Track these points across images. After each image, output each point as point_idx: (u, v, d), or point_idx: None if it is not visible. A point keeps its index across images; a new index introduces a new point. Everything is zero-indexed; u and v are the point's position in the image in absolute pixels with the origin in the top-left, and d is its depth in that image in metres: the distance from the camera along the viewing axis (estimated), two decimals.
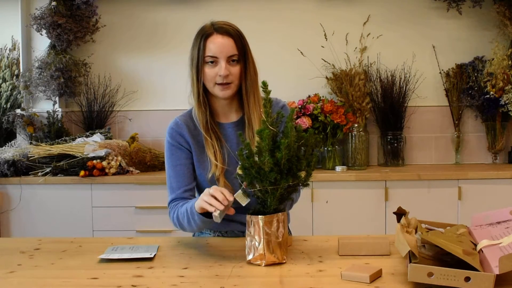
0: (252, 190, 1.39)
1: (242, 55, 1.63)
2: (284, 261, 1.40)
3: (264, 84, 1.41)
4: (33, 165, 3.29)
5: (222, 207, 1.41)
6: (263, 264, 1.37)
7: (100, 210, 3.24)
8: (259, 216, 1.37)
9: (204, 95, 1.67)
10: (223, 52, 1.60)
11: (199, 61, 1.62)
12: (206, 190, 1.48)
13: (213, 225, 1.77)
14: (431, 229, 1.42)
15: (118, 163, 3.25)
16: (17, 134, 3.59)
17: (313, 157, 1.41)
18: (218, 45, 1.60)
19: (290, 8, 3.71)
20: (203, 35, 1.62)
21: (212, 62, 1.61)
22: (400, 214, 1.44)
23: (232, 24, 1.66)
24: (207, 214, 1.53)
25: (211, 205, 1.43)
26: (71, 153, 3.26)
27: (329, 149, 3.45)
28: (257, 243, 1.37)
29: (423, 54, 3.67)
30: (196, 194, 1.78)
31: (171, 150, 1.71)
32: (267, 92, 1.40)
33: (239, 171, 1.64)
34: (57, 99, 3.60)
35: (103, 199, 3.24)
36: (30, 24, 3.51)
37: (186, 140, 1.70)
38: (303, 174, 1.40)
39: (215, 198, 1.43)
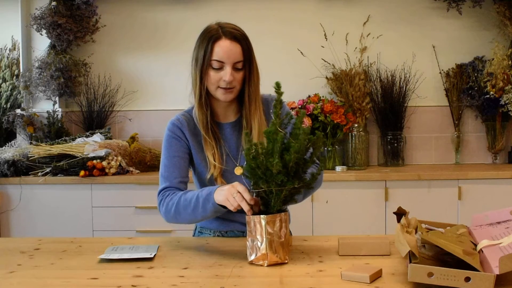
0: (257, 191, 1.39)
1: (247, 61, 1.63)
2: (286, 261, 1.39)
3: (278, 86, 1.39)
4: (33, 165, 3.29)
5: (252, 205, 1.41)
6: (266, 264, 1.36)
7: (100, 210, 3.24)
8: (262, 215, 1.37)
9: (205, 97, 1.66)
10: (230, 57, 1.59)
11: (204, 63, 1.60)
12: (229, 189, 1.45)
13: (213, 225, 1.78)
14: (431, 229, 1.42)
15: (118, 163, 3.25)
16: (17, 134, 3.59)
17: (319, 160, 1.41)
18: (226, 50, 1.58)
19: (290, 8, 3.71)
20: (211, 37, 1.59)
21: (217, 66, 1.60)
22: (400, 214, 1.44)
23: (239, 28, 1.64)
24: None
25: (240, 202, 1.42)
26: (71, 153, 3.26)
27: (329, 149, 3.45)
28: (259, 243, 1.37)
29: (423, 54, 3.67)
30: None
31: (169, 141, 1.69)
32: (279, 93, 1.39)
33: (237, 172, 1.65)
34: (57, 99, 3.60)
35: (103, 199, 3.23)
36: (30, 24, 3.51)
37: (186, 136, 1.70)
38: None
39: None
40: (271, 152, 1.34)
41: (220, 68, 1.60)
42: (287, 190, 1.36)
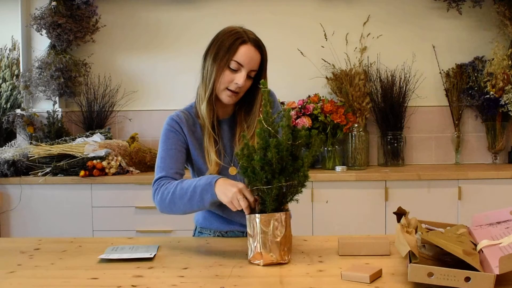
0: (251, 189, 1.40)
1: (261, 72, 1.66)
2: (284, 261, 1.39)
3: (263, 84, 1.41)
4: (33, 165, 3.29)
5: (248, 211, 1.42)
6: (262, 264, 1.37)
7: (100, 210, 3.24)
8: (257, 214, 1.37)
9: (215, 93, 1.67)
10: (250, 63, 1.61)
11: (223, 61, 1.61)
12: (236, 193, 1.43)
13: (213, 225, 1.78)
14: (431, 229, 1.42)
15: (118, 163, 3.25)
16: (17, 134, 3.59)
17: (310, 158, 1.40)
18: (248, 55, 1.61)
19: (290, 8, 3.71)
20: (238, 38, 1.61)
21: (235, 67, 1.61)
22: (400, 214, 1.44)
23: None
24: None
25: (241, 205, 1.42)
26: (71, 153, 3.26)
27: (329, 149, 3.45)
28: (255, 242, 1.37)
29: (423, 54, 3.67)
30: None
31: (167, 135, 1.69)
32: (267, 92, 1.40)
33: (231, 172, 1.64)
34: (57, 99, 3.60)
35: (103, 199, 3.23)
36: (30, 24, 3.52)
37: (184, 132, 1.70)
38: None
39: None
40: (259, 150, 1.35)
41: (236, 71, 1.61)
42: (277, 189, 1.35)
